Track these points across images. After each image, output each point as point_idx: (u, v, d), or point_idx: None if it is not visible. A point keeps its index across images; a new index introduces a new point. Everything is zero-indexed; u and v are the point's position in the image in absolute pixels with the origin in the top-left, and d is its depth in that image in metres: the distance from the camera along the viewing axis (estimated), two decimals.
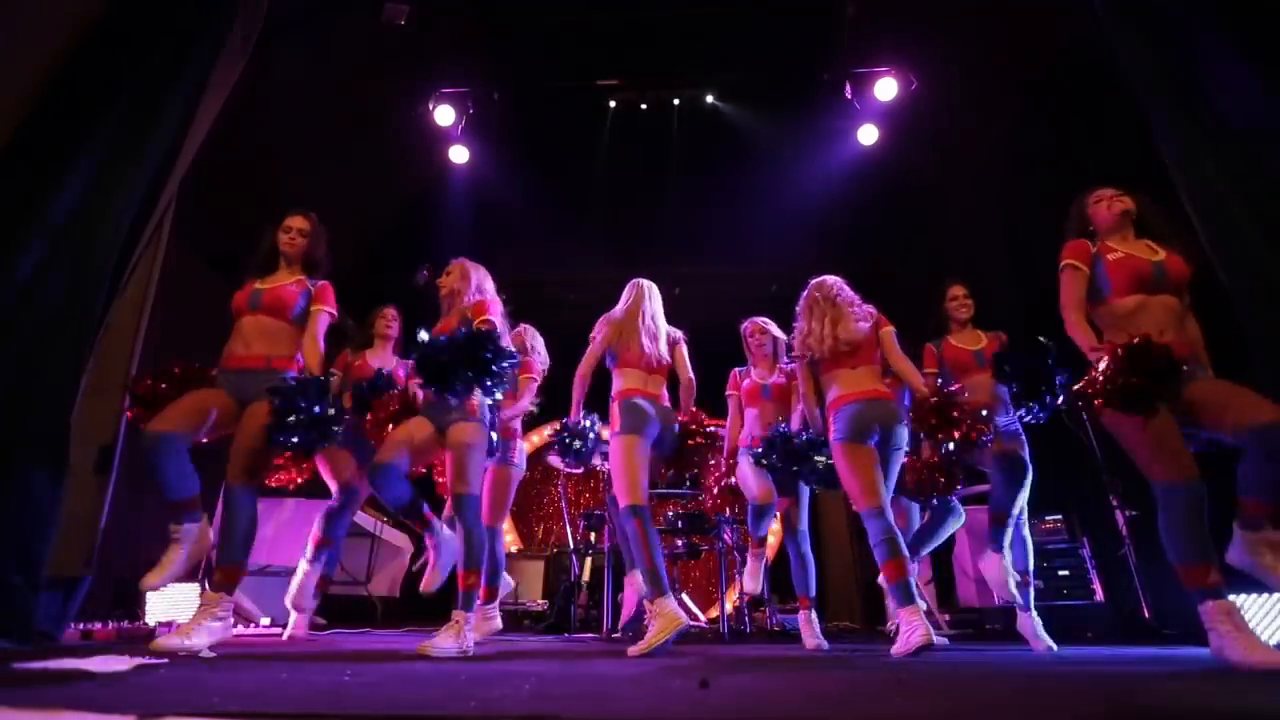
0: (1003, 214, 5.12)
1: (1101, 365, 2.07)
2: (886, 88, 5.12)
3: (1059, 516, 4.01)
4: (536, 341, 3.72)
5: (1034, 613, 2.94)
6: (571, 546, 5.14)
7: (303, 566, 3.20)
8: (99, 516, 2.62)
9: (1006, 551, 2.90)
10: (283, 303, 2.63)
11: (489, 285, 2.90)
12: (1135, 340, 2.03)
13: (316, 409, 2.41)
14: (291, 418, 2.37)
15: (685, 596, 5.49)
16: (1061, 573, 3.89)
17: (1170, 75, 2.66)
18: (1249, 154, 2.40)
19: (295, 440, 2.41)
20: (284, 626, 3.26)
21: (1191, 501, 1.96)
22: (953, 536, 3.71)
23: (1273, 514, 1.95)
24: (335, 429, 2.47)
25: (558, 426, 3.16)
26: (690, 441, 3.13)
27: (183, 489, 2.34)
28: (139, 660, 1.69)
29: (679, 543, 5.05)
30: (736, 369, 3.68)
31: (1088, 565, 3.80)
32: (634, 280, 3.28)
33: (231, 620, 2.37)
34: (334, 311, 2.73)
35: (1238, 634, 1.85)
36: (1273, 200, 2.31)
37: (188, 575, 2.54)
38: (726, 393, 3.63)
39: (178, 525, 2.34)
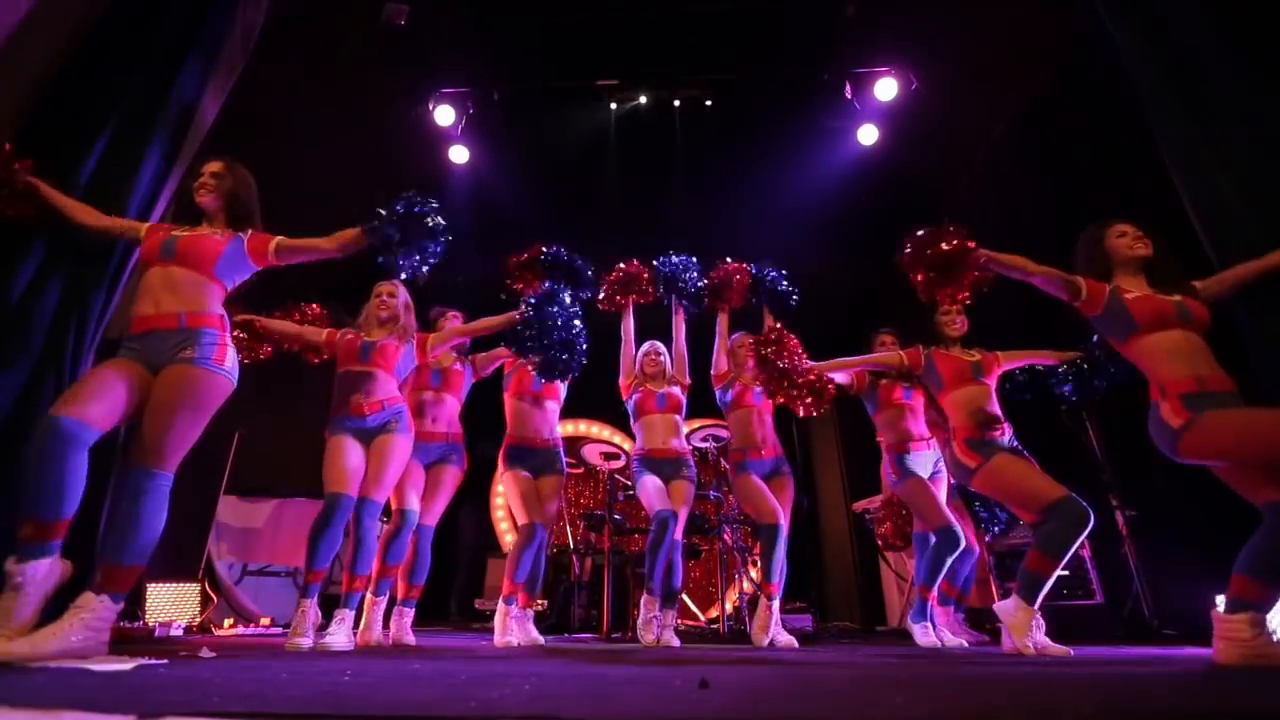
0: (1004, 214, 5.11)
1: None
2: (886, 88, 5.13)
3: None
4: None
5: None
6: (571, 546, 5.14)
7: (368, 599, 3.09)
8: (99, 516, 2.62)
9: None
10: (203, 253, 2.21)
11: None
12: None
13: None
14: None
15: (685, 596, 5.50)
16: (1061, 573, 3.88)
17: (1172, 74, 2.66)
18: (1251, 153, 2.38)
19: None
20: (284, 626, 3.25)
21: None
22: None
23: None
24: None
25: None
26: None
27: (69, 504, 1.86)
28: (139, 660, 1.68)
29: None
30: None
31: (1088, 565, 3.79)
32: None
33: (102, 635, 1.81)
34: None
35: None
36: (1276, 200, 2.30)
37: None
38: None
39: (22, 563, 1.76)
